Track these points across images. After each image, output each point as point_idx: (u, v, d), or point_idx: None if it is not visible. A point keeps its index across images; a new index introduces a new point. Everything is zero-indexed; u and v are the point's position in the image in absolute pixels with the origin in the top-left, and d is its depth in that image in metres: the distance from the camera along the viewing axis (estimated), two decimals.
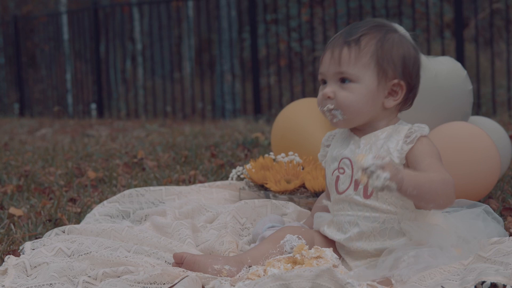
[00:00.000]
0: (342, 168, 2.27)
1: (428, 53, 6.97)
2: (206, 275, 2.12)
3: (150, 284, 2.07)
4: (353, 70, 2.19)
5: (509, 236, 2.26)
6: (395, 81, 2.21)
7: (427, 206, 2.13)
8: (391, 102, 2.22)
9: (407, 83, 2.22)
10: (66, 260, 2.28)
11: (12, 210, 3.15)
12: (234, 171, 3.35)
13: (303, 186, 3.06)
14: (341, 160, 2.27)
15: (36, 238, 2.72)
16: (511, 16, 7.42)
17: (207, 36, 11.24)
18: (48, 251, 2.36)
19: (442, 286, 1.89)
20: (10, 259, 2.25)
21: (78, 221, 3.02)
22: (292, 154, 3.16)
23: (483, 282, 1.86)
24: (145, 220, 2.89)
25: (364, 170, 1.95)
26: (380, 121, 2.25)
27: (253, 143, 5.04)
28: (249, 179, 3.14)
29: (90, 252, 2.36)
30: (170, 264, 2.30)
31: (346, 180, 2.25)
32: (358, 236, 2.22)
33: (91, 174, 4.10)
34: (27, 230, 2.90)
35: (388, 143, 2.20)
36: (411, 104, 2.29)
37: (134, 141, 6.08)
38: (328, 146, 2.39)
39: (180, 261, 2.21)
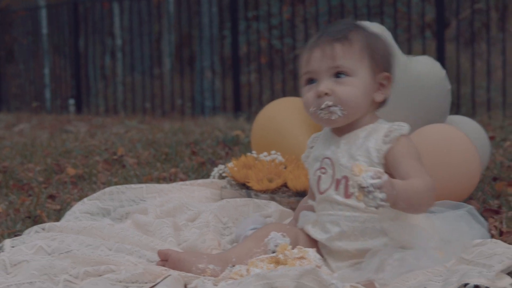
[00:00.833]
0: (324, 168, 2.26)
1: (409, 52, 6.98)
2: (189, 274, 2.11)
3: (132, 283, 2.05)
4: (349, 63, 2.18)
5: (491, 238, 2.27)
6: (385, 73, 2.22)
7: (410, 213, 2.14)
8: (380, 96, 2.23)
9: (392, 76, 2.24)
10: (46, 258, 2.25)
11: None
12: (216, 169, 3.34)
13: (285, 185, 3.05)
14: (322, 160, 2.27)
15: (15, 235, 2.69)
16: (492, 17, 7.48)
17: (187, 32, 11.20)
18: (28, 249, 2.33)
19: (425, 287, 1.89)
20: None
21: (57, 218, 2.99)
22: (274, 153, 3.15)
23: (466, 284, 1.86)
24: (126, 218, 2.87)
25: (362, 188, 1.94)
26: (364, 118, 2.24)
27: (234, 141, 5.02)
28: (231, 177, 3.13)
29: (71, 250, 2.34)
30: (152, 262, 2.28)
31: (327, 180, 2.24)
32: (339, 236, 2.21)
33: (71, 170, 4.07)
34: (6, 227, 2.87)
35: (367, 142, 2.19)
36: (387, 100, 2.30)
37: (114, 138, 6.04)
38: (312, 147, 2.38)
39: (164, 258, 2.19)
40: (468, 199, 2.91)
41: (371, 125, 2.23)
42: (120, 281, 2.04)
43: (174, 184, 3.25)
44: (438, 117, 3.07)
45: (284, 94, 8.81)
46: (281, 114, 3.32)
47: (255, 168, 3.09)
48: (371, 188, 1.92)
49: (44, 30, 12.24)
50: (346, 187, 2.18)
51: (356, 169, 1.96)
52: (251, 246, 2.23)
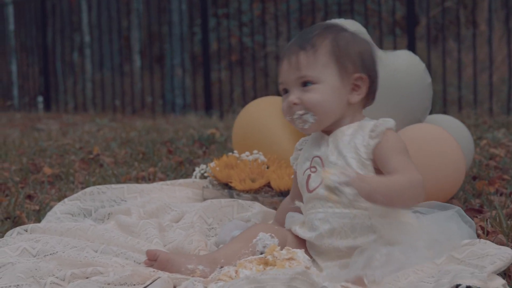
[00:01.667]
0: (314, 167, 2.27)
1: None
2: (178, 275, 2.10)
3: (121, 285, 2.04)
4: (313, 72, 2.21)
5: (478, 238, 2.29)
6: (357, 74, 2.23)
7: (394, 207, 2.15)
8: (356, 97, 2.25)
9: (368, 76, 2.25)
10: (32, 260, 2.23)
11: None
12: (197, 169, 3.33)
13: (267, 185, 3.05)
14: (312, 159, 2.28)
15: None
16: (461, 15, 7.52)
17: (157, 29, 11.15)
18: (12, 251, 2.30)
19: None
20: None
21: (37, 219, 2.96)
22: (256, 153, 3.15)
23: (458, 285, 1.86)
24: (108, 219, 2.84)
25: (331, 189, 2.01)
26: (344, 120, 2.26)
27: (209, 140, 5.01)
28: (213, 177, 3.12)
29: (56, 252, 2.32)
30: (139, 264, 2.27)
31: (317, 178, 2.25)
32: (329, 233, 2.21)
33: (47, 170, 4.03)
34: None
35: (355, 139, 2.21)
36: (374, 98, 2.31)
37: (86, 136, 6.00)
38: (300, 150, 2.39)
39: (153, 258, 2.18)
40: (450, 199, 2.94)
41: (357, 122, 2.26)
42: (109, 284, 2.03)
43: (155, 184, 3.23)
44: (420, 113, 3.07)
45: (255, 91, 8.81)
46: (263, 113, 3.31)
47: (237, 168, 3.08)
48: (337, 186, 1.98)
49: (11, 27, 12.10)
50: None
51: (325, 174, 2.03)
52: (240, 247, 2.22)
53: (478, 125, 5.42)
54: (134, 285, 2.04)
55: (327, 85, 2.20)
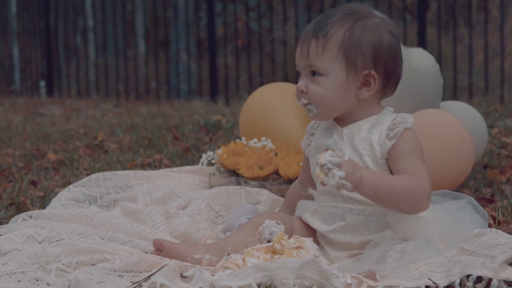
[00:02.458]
0: None
1: None
2: (185, 263, 2.08)
3: (127, 272, 2.03)
4: (320, 63, 2.15)
5: (489, 227, 2.26)
6: (366, 71, 2.15)
7: (389, 209, 2.11)
8: (365, 93, 2.17)
9: (381, 71, 2.16)
10: (38, 246, 2.21)
11: None
12: (204, 156, 3.30)
13: (275, 172, 3.02)
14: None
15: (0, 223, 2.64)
16: (473, 0, 7.44)
17: (162, 13, 11.09)
18: (17, 237, 2.29)
19: (429, 278, 1.88)
20: None
21: (42, 205, 2.94)
22: (264, 140, 3.12)
23: (469, 275, 1.85)
24: (114, 205, 2.83)
25: (322, 167, 1.97)
26: (359, 112, 2.20)
27: (216, 126, 4.98)
28: (220, 164, 3.09)
29: (63, 239, 2.30)
30: (146, 252, 2.24)
31: None
32: (344, 229, 2.19)
33: (51, 156, 4.00)
34: None
35: (371, 135, 2.16)
36: (393, 92, 2.25)
37: (91, 122, 5.97)
38: (312, 134, 2.33)
39: (159, 248, 2.17)
40: (461, 188, 2.91)
41: (375, 116, 2.20)
42: (115, 271, 2.02)
43: (161, 171, 3.21)
44: (430, 102, 3.04)
45: (262, 77, 8.75)
46: (271, 99, 3.28)
47: (245, 155, 3.05)
48: (329, 165, 1.96)
49: (13, 10, 12.05)
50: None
51: (321, 154, 2.01)
52: (246, 235, 2.21)
53: (489, 113, 5.36)
54: (141, 272, 2.03)
55: (332, 79, 2.15)
